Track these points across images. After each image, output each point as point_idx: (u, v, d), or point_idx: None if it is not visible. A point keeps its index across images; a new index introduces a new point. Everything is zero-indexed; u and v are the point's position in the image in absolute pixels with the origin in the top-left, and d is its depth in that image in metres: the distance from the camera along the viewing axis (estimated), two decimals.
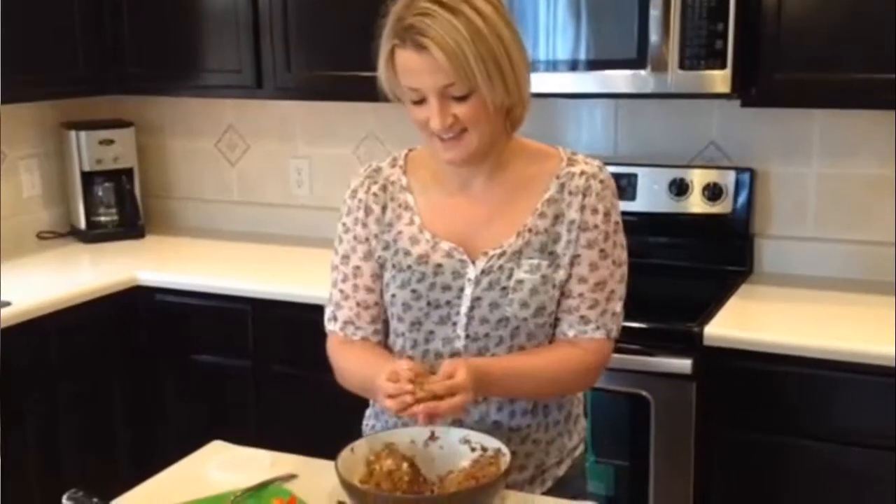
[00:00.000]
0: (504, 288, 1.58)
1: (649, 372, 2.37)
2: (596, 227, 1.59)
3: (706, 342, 2.32)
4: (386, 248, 1.64)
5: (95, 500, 1.47)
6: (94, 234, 3.35)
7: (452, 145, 1.53)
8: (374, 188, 1.66)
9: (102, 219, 3.37)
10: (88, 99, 3.36)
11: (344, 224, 1.69)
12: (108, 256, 3.18)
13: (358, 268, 1.67)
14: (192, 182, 3.57)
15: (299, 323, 2.77)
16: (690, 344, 2.33)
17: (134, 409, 2.95)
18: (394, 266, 1.63)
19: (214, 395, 2.91)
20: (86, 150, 3.29)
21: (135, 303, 2.93)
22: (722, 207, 2.78)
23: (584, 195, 1.59)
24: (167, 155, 3.58)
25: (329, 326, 1.72)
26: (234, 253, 3.22)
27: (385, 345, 1.71)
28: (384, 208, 1.65)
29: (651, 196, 2.85)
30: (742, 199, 2.76)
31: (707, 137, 2.82)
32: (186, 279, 2.93)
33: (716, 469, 2.38)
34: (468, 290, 1.60)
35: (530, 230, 1.59)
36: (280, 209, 3.43)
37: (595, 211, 1.59)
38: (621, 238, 1.64)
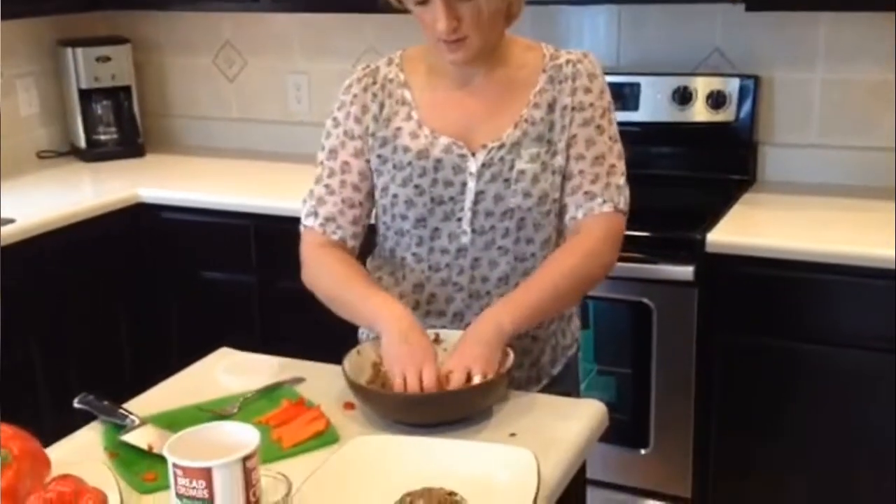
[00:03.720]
0: (507, 179, 1.59)
1: (652, 280, 2.38)
2: (591, 105, 1.61)
3: (708, 249, 2.33)
4: (384, 144, 1.63)
5: (106, 402, 1.49)
6: (95, 152, 3.33)
7: (456, 48, 1.53)
8: (373, 87, 1.65)
9: (102, 137, 3.35)
10: (83, 15, 3.31)
11: (335, 119, 1.67)
12: (109, 174, 3.17)
13: (347, 163, 1.65)
14: (191, 100, 3.54)
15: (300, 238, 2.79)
16: (693, 251, 2.34)
17: (138, 324, 2.97)
18: (394, 165, 1.62)
19: (218, 311, 2.92)
20: (83, 67, 3.25)
21: (137, 220, 2.94)
22: (725, 116, 2.76)
23: (574, 79, 1.60)
24: (164, 72, 3.54)
25: (307, 222, 1.67)
26: (234, 170, 3.21)
27: (357, 252, 1.69)
28: (381, 105, 1.64)
29: (654, 105, 2.82)
30: (746, 106, 2.73)
31: (711, 44, 2.78)
32: (188, 196, 2.93)
33: (717, 375, 2.40)
34: (471, 185, 1.60)
35: (526, 121, 1.60)
36: (279, 126, 3.40)
37: (588, 90, 1.61)
38: (614, 116, 1.65)
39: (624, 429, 2.48)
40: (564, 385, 1.72)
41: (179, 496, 1.05)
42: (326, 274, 1.63)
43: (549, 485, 1.27)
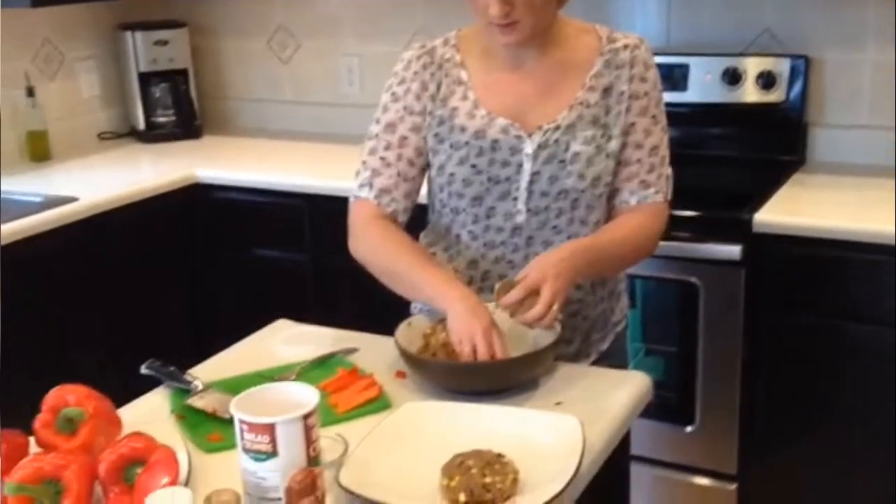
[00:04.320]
0: (562, 161, 1.62)
1: (699, 259, 2.40)
2: (646, 94, 1.64)
3: (755, 229, 2.34)
4: (441, 123, 1.67)
5: (172, 368, 1.56)
6: (153, 134, 3.43)
7: (509, 31, 1.56)
8: (431, 66, 1.68)
9: (160, 119, 3.45)
10: (138, 0, 3.40)
11: (394, 93, 1.69)
12: (167, 156, 3.26)
13: (405, 138, 1.68)
14: (245, 82, 3.62)
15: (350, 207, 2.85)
16: (740, 231, 2.35)
17: (195, 299, 3.07)
18: (451, 145, 1.66)
19: (272, 287, 3.00)
20: (142, 50, 3.35)
21: (194, 199, 3.02)
22: (776, 96, 2.76)
23: (632, 66, 1.63)
24: (220, 56, 3.63)
25: (361, 193, 1.70)
26: (287, 151, 3.29)
27: (420, 227, 1.74)
28: (439, 85, 1.67)
29: (703, 86, 2.83)
30: (796, 87, 2.73)
31: (761, 24, 2.78)
32: (243, 176, 3.01)
33: (763, 354, 2.42)
34: (527, 165, 1.64)
35: (581, 104, 1.63)
36: (331, 108, 3.47)
37: (643, 80, 1.64)
38: (664, 104, 1.70)
39: (670, 406, 2.51)
40: (613, 360, 1.76)
41: (246, 450, 1.11)
42: (382, 247, 1.67)
43: (593, 451, 1.32)
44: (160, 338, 2.89)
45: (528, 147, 1.63)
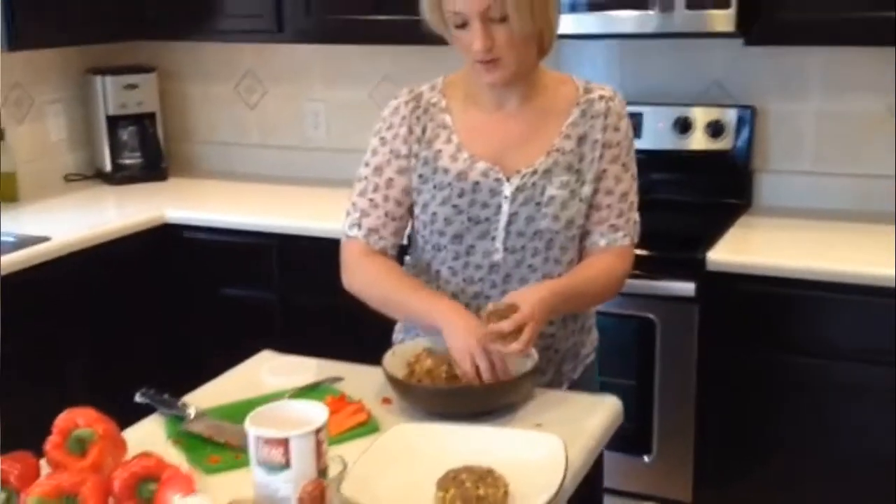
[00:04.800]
0: (538, 203, 1.73)
1: (656, 296, 2.52)
2: (618, 143, 1.76)
3: (708, 267, 2.48)
4: (425, 164, 1.77)
5: (166, 395, 1.63)
6: (120, 176, 3.49)
7: (492, 68, 1.67)
8: (418, 111, 1.78)
9: (127, 162, 3.51)
10: (108, 45, 3.48)
11: (382, 138, 1.80)
12: (134, 197, 3.32)
13: (391, 180, 1.79)
14: (212, 126, 3.70)
15: (323, 257, 2.92)
16: (694, 269, 2.49)
17: (165, 338, 3.11)
18: (435, 185, 1.76)
19: (242, 326, 3.05)
20: (111, 94, 3.42)
21: (164, 240, 3.08)
22: (724, 144, 2.92)
23: (606, 116, 1.75)
24: (186, 100, 3.71)
25: (351, 232, 1.81)
26: (254, 193, 3.37)
27: (400, 261, 1.84)
28: (424, 129, 1.77)
29: (656, 134, 2.98)
30: (743, 135, 2.90)
31: (710, 77, 2.95)
32: (212, 217, 3.08)
33: (716, 386, 2.55)
34: (505, 207, 1.74)
35: (558, 150, 1.74)
36: (297, 151, 3.57)
37: (616, 129, 1.76)
38: (634, 153, 1.81)
39: (628, 437, 2.59)
40: (584, 388, 1.85)
41: (260, 463, 1.19)
42: (377, 279, 1.77)
43: (573, 467, 1.41)
44: (133, 375, 2.91)
45: (507, 190, 1.74)
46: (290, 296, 3.01)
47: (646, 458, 2.64)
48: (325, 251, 2.88)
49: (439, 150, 1.77)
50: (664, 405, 2.60)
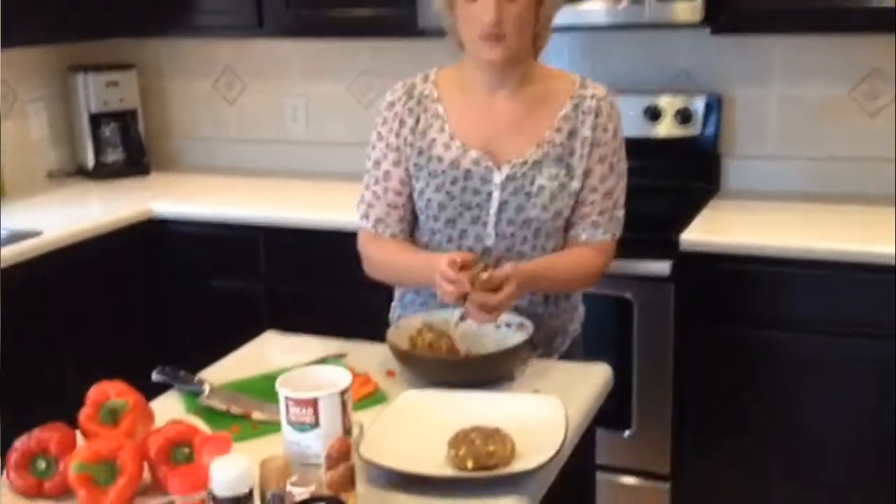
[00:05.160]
0: (528, 193, 1.83)
1: (632, 276, 2.63)
2: (606, 143, 1.85)
3: (682, 247, 2.60)
4: (420, 153, 1.87)
5: (182, 372, 1.71)
6: (102, 172, 3.54)
7: (495, 45, 1.75)
8: (410, 102, 1.88)
9: (110, 158, 3.56)
10: (89, 43, 3.52)
11: (378, 133, 1.90)
12: (118, 192, 3.38)
13: (388, 172, 1.89)
14: (192, 121, 3.76)
15: (308, 246, 3.02)
16: (668, 249, 2.61)
17: (155, 329, 3.17)
18: (429, 173, 1.86)
19: (230, 317, 3.12)
20: (93, 91, 3.47)
21: (150, 233, 3.14)
22: (692, 131, 3.05)
23: (597, 115, 1.84)
24: (166, 96, 3.77)
25: (362, 223, 1.94)
26: (237, 186, 3.44)
27: (410, 240, 1.94)
28: (418, 119, 1.87)
29: (627, 122, 3.03)
30: (710, 122, 3.03)
31: (678, 66, 3.08)
32: (198, 210, 3.15)
33: (692, 361, 2.67)
34: (496, 195, 1.84)
35: (549, 142, 1.84)
36: (277, 145, 3.64)
37: (605, 129, 1.85)
38: (624, 153, 1.91)
39: (608, 413, 2.70)
40: (572, 358, 1.97)
41: (291, 423, 1.28)
42: (384, 258, 1.91)
43: (572, 426, 1.52)
44: (123, 364, 2.98)
45: (497, 178, 1.84)
46: (277, 286, 3.09)
47: (626, 434, 2.76)
48: (309, 241, 3.01)
49: (433, 140, 1.86)
50: (642, 382, 2.72)
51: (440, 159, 1.85)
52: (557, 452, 1.38)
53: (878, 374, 2.48)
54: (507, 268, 1.70)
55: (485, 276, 1.67)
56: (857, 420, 2.53)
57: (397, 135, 1.88)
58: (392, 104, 1.90)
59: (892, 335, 2.44)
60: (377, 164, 1.91)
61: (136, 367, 3.05)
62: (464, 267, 1.69)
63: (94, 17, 3.29)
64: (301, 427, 1.27)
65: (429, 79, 1.91)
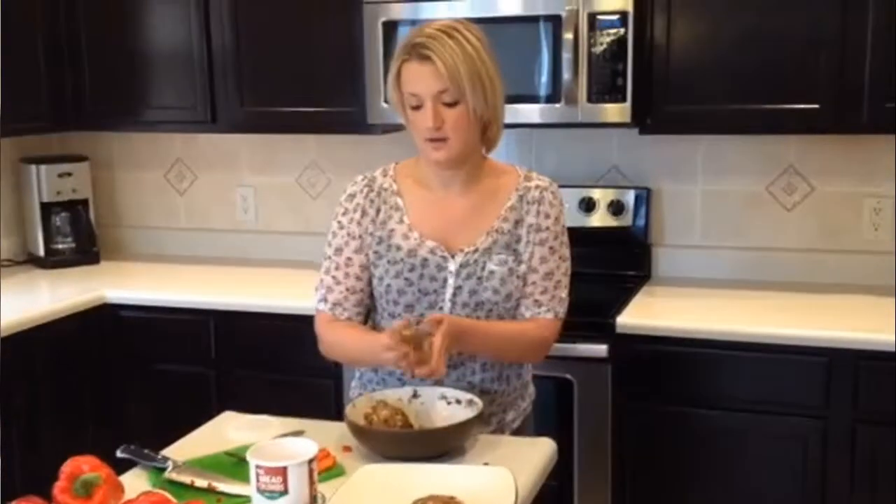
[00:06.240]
0: (479, 278, 1.97)
1: (572, 357, 2.77)
2: (547, 228, 2.01)
3: (618, 330, 2.76)
4: (380, 242, 2.00)
5: (146, 451, 1.78)
6: (53, 260, 3.59)
7: (439, 146, 1.91)
8: (371, 194, 2.02)
9: (60, 246, 3.61)
10: (42, 136, 3.62)
11: (339, 222, 2.04)
12: (69, 280, 3.43)
13: (350, 259, 2.02)
14: (142, 211, 3.86)
15: (258, 331, 3.11)
16: (605, 332, 2.76)
17: (105, 415, 3.20)
18: (389, 261, 1.99)
19: (181, 400, 3.17)
20: (45, 182, 3.55)
21: (102, 319, 3.20)
22: (624, 221, 3.25)
23: (539, 203, 2.00)
24: (117, 186, 3.86)
25: (320, 306, 2.05)
26: (187, 273, 3.52)
27: (364, 325, 2.06)
28: (378, 210, 2.01)
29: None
30: (641, 214, 3.23)
31: (609, 162, 3.29)
32: (150, 296, 3.23)
33: (630, 438, 2.80)
34: (451, 281, 1.98)
35: (497, 231, 1.99)
36: (226, 234, 3.75)
37: (547, 216, 2.01)
38: (566, 239, 2.06)
39: (552, 492, 2.81)
40: (523, 435, 2.08)
41: (260, 490, 1.37)
42: (339, 340, 2.02)
43: (522, 495, 1.63)
44: (76, 448, 3.00)
45: (452, 266, 1.98)
46: (227, 369, 3.16)
47: None
48: (259, 326, 3.10)
49: (392, 230, 2.00)
50: (583, 459, 2.83)
51: (399, 248, 1.99)
52: None
53: (801, 448, 2.65)
54: (437, 315, 1.83)
55: (417, 328, 1.80)
56: (785, 489, 2.67)
57: (359, 224, 2.02)
58: (353, 195, 2.04)
59: (814, 413, 2.62)
60: (339, 251, 2.03)
61: (88, 451, 3.11)
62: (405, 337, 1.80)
63: (50, 111, 3.39)
64: (271, 495, 1.36)
65: (388, 173, 2.06)
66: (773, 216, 3.16)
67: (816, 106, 2.76)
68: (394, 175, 2.05)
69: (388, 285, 2.00)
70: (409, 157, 2.08)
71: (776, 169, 3.14)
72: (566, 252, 2.05)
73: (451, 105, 1.88)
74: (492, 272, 1.97)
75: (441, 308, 1.98)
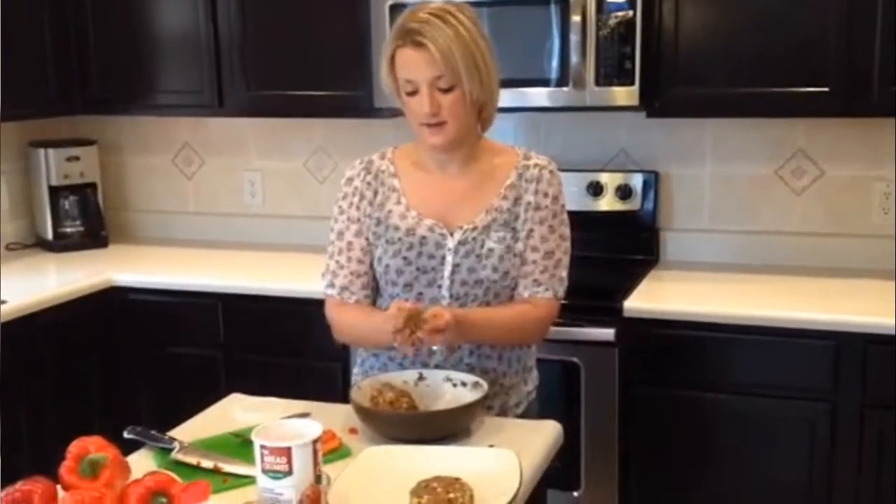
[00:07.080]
0: (478, 255, 1.97)
1: (579, 341, 2.78)
2: (546, 206, 2.00)
3: (626, 314, 2.76)
4: (378, 224, 2.01)
5: (153, 432, 1.78)
6: (61, 244, 3.60)
7: (436, 132, 1.92)
8: (368, 177, 2.03)
9: (68, 230, 3.63)
10: (50, 119, 3.62)
11: (340, 207, 2.05)
12: (77, 263, 3.44)
13: (350, 243, 2.03)
14: (150, 195, 3.86)
15: (266, 314, 3.12)
16: (613, 316, 2.76)
17: (113, 397, 3.22)
18: (387, 241, 1.99)
19: (189, 383, 3.18)
20: (53, 166, 3.56)
21: (110, 303, 3.21)
22: (632, 206, 3.24)
23: (538, 182, 2.00)
24: (126, 170, 3.87)
25: (328, 291, 2.06)
26: (195, 257, 3.54)
27: (374, 305, 2.07)
28: (376, 193, 2.02)
29: (571, 197, 3.21)
30: (649, 198, 3.22)
31: (618, 146, 3.28)
32: (158, 279, 3.24)
33: (636, 422, 2.81)
34: (449, 258, 1.98)
35: (496, 209, 1.99)
36: (234, 218, 3.75)
37: (546, 195, 2.00)
38: (566, 218, 2.06)
39: (558, 474, 2.82)
40: (526, 419, 2.08)
41: (265, 471, 1.37)
42: (349, 323, 2.03)
43: (526, 476, 1.63)
44: (83, 430, 3.02)
45: (450, 243, 1.98)
46: (234, 352, 3.17)
47: (575, 494, 2.86)
48: (267, 309, 3.11)
49: (390, 211, 2.00)
50: (590, 442, 2.84)
51: (397, 228, 1.99)
52: (514, 497, 1.49)
53: (808, 432, 2.64)
54: (439, 308, 1.84)
55: (426, 314, 1.80)
56: (793, 474, 2.67)
57: (357, 208, 2.02)
58: (351, 179, 2.05)
59: (822, 397, 2.61)
60: (340, 235, 2.04)
61: (95, 432, 3.13)
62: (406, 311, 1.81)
63: (57, 95, 3.40)
64: (275, 475, 1.36)
65: (385, 156, 2.06)
66: (782, 200, 3.14)
67: (826, 89, 2.74)
68: (392, 158, 2.06)
69: (387, 265, 2.00)
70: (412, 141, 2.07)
71: (785, 153, 3.12)
72: (566, 231, 2.05)
73: (446, 90, 1.88)
74: (490, 250, 1.97)
75: (440, 286, 1.98)
